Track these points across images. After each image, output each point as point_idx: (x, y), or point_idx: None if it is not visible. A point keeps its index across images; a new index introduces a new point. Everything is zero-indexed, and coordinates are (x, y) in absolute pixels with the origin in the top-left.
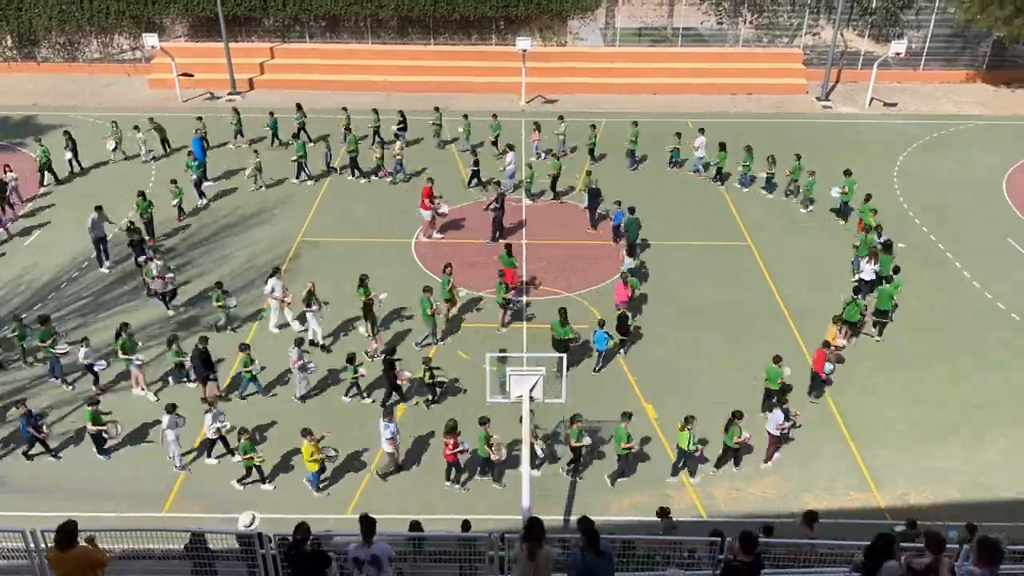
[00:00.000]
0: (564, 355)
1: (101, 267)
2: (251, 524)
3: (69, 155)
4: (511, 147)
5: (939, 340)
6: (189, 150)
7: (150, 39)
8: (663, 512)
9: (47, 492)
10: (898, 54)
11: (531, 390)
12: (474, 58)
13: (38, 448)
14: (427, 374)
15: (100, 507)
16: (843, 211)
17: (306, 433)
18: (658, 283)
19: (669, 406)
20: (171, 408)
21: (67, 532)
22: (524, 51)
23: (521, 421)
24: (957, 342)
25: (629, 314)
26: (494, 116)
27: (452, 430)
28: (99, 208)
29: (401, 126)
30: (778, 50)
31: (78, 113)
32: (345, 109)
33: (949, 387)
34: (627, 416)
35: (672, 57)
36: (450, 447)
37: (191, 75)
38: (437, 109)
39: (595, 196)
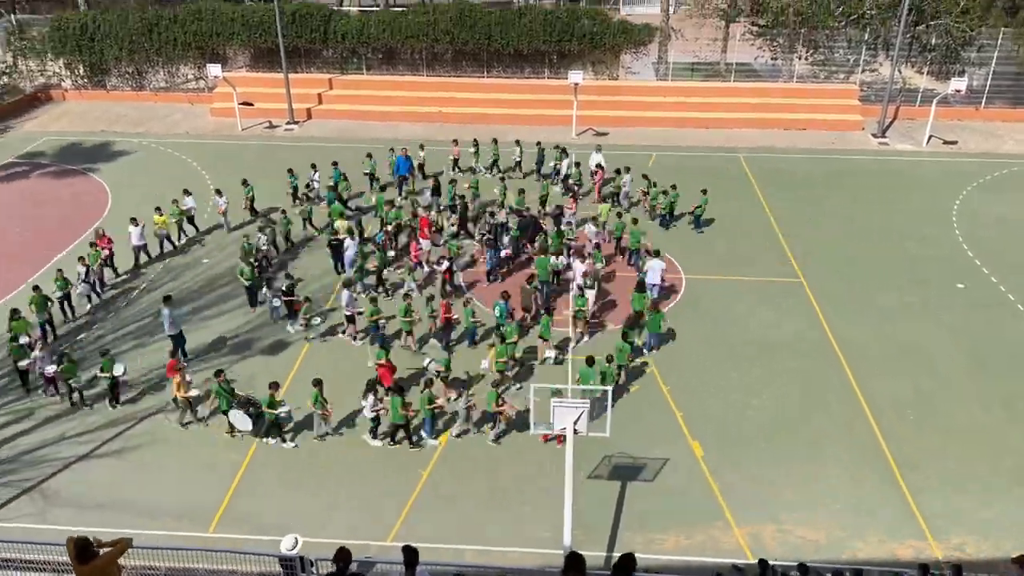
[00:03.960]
0: (609, 387)
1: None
2: (294, 547)
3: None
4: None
5: (999, 385)
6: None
7: (214, 69)
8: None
9: (98, 507)
10: (958, 91)
11: (575, 423)
12: (527, 91)
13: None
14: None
15: (149, 524)
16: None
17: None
18: (708, 320)
19: (715, 444)
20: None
21: (83, 547)
22: (576, 84)
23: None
24: (1018, 388)
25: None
26: (494, 141)
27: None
28: (168, 298)
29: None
30: (833, 86)
31: (144, 139)
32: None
33: (1009, 434)
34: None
35: (725, 92)
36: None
37: (251, 104)
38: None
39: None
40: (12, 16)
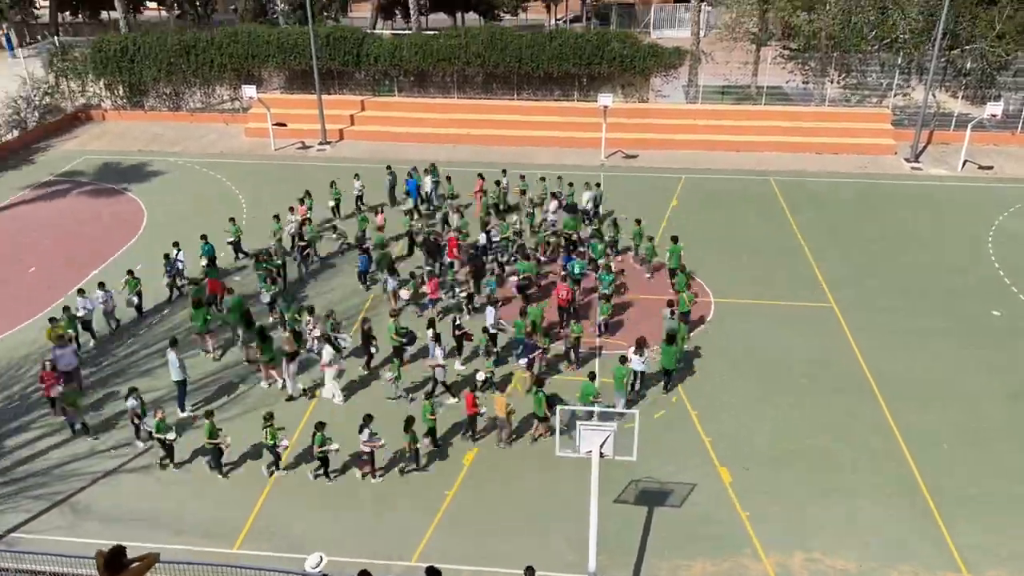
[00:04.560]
0: (636, 410)
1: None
2: (318, 566)
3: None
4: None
5: None
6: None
7: (248, 90)
8: None
9: (126, 521)
10: (994, 116)
11: (601, 446)
12: (556, 113)
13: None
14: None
15: (175, 539)
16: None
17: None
18: (737, 345)
19: (744, 471)
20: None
21: (115, 554)
22: (605, 107)
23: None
24: None
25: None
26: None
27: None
28: (174, 342)
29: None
30: (865, 110)
31: (179, 158)
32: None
33: None
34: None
35: (755, 115)
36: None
37: (284, 125)
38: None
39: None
40: (55, 38)
